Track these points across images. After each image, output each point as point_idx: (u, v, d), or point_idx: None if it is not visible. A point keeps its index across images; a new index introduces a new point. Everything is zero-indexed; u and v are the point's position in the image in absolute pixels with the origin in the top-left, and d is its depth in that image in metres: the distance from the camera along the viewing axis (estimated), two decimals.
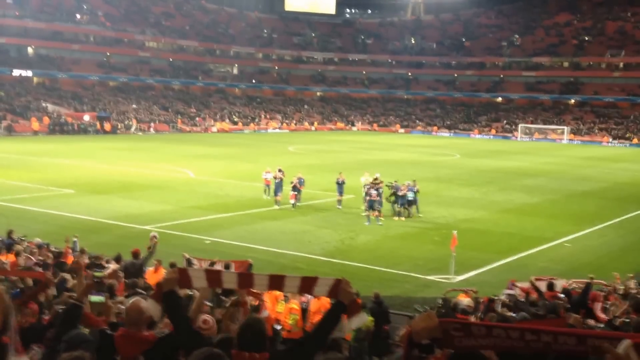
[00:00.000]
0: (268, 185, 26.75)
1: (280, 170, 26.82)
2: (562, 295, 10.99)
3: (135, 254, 13.52)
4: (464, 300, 11.30)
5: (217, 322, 6.39)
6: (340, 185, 25.65)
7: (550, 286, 11.30)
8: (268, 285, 3.89)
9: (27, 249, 13.36)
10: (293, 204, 25.10)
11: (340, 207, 25.34)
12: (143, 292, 8.22)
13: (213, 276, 3.77)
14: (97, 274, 4.56)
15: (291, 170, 28.80)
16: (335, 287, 3.43)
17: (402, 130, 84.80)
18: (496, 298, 11.35)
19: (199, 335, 3.68)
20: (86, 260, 13.21)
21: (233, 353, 3.35)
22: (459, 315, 9.95)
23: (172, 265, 12.88)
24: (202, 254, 16.31)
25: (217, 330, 5.76)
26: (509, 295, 12.05)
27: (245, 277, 3.91)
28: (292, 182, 25.40)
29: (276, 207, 25.07)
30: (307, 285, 3.62)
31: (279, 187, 25.52)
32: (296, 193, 25.24)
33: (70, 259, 13.33)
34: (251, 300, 10.00)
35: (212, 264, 13.27)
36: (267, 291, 9.32)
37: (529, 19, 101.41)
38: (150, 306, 3.59)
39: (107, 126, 64.78)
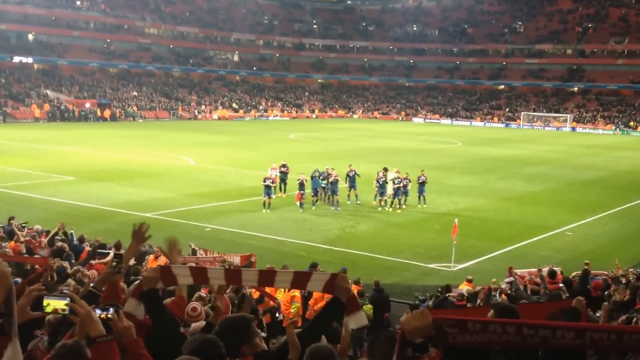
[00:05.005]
0: (274, 183, 23.48)
1: (284, 166, 24.70)
2: (561, 285, 10.99)
3: None
4: (464, 289, 11.30)
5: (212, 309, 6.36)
6: (351, 178, 23.52)
7: (552, 274, 11.27)
8: (258, 281, 3.78)
9: (28, 235, 13.36)
10: (300, 205, 22.59)
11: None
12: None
13: (199, 273, 3.66)
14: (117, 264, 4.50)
15: (294, 160, 28.60)
16: (330, 283, 3.25)
17: (403, 118, 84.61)
18: (495, 286, 11.32)
19: (180, 335, 3.56)
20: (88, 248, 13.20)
21: None
22: (457, 302, 9.94)
23: None
24: (202, 241, 16.32)
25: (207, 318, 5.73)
26: (510, 282, 12.03)
27: (233, 274, 3.78)
28: (298, 180, 22.80)
29: (266, 211, 22.18)
30: (300, 280, 3.47)
31: (269, 188, 22.50)
32: (302, 192, 22.63)
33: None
34: (252, 292, 10.01)
35: (223, 260, 13.19)
36: (257, 286, 9.28)
37: (531, 5, 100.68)
38: (130, 305, 3.47)
39: (107, 113, 64.57)
